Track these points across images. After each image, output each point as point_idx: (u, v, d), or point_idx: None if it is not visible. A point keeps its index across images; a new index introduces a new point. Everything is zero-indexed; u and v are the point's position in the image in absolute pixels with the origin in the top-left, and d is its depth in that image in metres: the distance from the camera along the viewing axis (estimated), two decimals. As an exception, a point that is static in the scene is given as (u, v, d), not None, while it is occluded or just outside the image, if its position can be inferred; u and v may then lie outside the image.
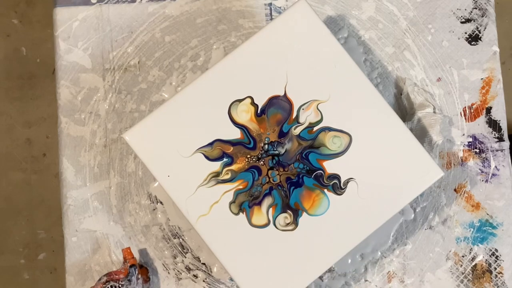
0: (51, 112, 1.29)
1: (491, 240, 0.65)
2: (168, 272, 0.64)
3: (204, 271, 0.64)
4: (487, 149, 0.66)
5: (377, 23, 0.67)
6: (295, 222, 0.53)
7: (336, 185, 0.53)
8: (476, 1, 0.67)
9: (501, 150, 0.66)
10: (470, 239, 0.65)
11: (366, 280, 0.64)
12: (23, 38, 1.30)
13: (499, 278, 0.64)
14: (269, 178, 0.54)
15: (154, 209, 0.65)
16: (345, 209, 0.53)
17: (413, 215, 0.65)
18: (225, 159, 0.53)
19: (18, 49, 1.30)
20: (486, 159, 0.65)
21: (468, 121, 0.66)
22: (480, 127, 0.66)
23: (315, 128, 0.54)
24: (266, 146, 0.54)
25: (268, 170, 0.54)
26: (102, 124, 0.65)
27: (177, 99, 0.54)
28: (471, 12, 0.67)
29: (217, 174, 0.53)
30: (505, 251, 0.65)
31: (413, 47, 0.66)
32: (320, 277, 0.64)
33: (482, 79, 0.66)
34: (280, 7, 0.66)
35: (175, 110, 0.54)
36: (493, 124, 0.66)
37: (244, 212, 0.53)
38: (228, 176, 0.53)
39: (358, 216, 0.53)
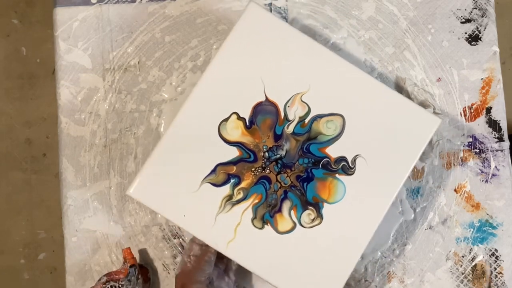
0: (51, 112, 1.28)
1: (491, 240, 0.65)
2: (168, 272, 0.64)
3: (204, 271, 0.64)
4: (487, 149, 0.66)
5: (377, 23, 0.67)
6: (320, 215, 0.53)
7: (345, 166, 0.53)
8: (476, 1, 0.67)
9: (501, 150, 0.66)
10: (470, 239, 0.65)
11: (366, 280, 0.64)
12: (23, 38, 1.30)
13: (499, 278, 0.64)
14: (280, 183, 0.54)
15: (154, 209, 0.65)
16: (362, 186, 0.53)
17: (413, 215, 0.65)
18: (232, 180, 0.53)
19: (18, 49, 1.30)
20: (486, 159, 0.65)
21: (468, 121, 0.66)
22: (480, 127, 0.66)
23: (306, 120, 0.54)
24: (266, 153, 0.54)
25: (277, 175, 0.54)
26: (102, 124, 0.65)
27: (165, 140, 0.53)
28: (471, 12, 0.67)
29: (230, 197, 0.53)
30: (505, 251, 0.65)
31: (413, 47, 0.66)
32: (320, 277, 0.64)
33: (482, 79, 0.66)
34: (280, 7, 0.66)
35: (167, 151, 0.53)
36: (493, 124, 0.66)
37: (268, 223, 0.53)
38: (241, 196, 0.53)
39: (375, 188, 0.53)
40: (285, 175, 0.54)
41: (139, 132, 0.65)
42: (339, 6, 0.67)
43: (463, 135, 0.66)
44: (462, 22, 0.67)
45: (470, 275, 0.64)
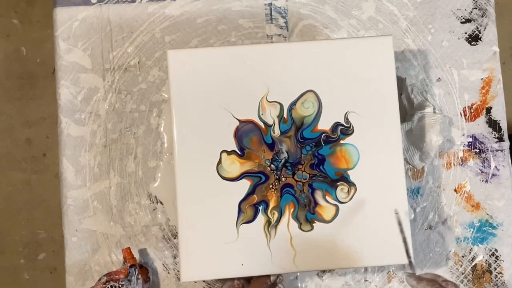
0: (51, 112, 1.28)
1: (491, 240, 0.65)
2: (168, 272, 0.64)
3: (204, 271, 0.64)
4: (487, 149, 0.66)
5: (377, 23, 0.67)
6: (352, 184, 0.54)
7: (342, 129, 0.54)
8: (476, 1, 0.67)
9: (501, 150, 0.66)
10: (470, 239, 0.65)
11: (366, 280, 0.64)
12: (23, 38, 1.30)
13: (499, 278, 0.64)
14: (300, 181, 0.54)
15: (154, 209, 0.65)
16: (368, 135, 0.54)
17: (413, 215, 0.65)
18: (260, 208, 0.54)
19: (18, 49, 1.30)
20: (486, 159, 0.65)
21: (468, 121, 0.66)
22: (480, 127, 0.66)
23: (285, 115, 0.54)
24: (272, 165, 0.54)
25: (293, 177, 0.54)
26: (102, 124, 0.65)
27: (181, 215, 0.53)
28: (471, 12, 0.67)
29: (268, 222, 0.54)
30: (505, 251, 0.65)
31: (413, 47, 0.66)
32: (320, 277, 0.64)
33: (482, 79, 0.66)
34: (280, 7, 0.66)
35: (189, 225, 0.53)
36: (493, 124, 0.66)
37: (315, 221, 0.54)
38: (276, 215, 0.54)
39: (380, 129, 0.54)
40: (300, 171, 0.54)
41: (139, 132, 0.65)
42: (339, 6, 0.67)
43: (463, 135, 0.66)
44: (462, 22, 0.67)
45: (470, 275, 0.64)
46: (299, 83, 0.54)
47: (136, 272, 0.59)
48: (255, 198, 0.54)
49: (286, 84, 0.54)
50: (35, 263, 1.26)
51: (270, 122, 0.54)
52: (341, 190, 0.54)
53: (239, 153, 0.54)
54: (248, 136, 0.54)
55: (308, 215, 0.54)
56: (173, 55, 0.54)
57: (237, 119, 0.54)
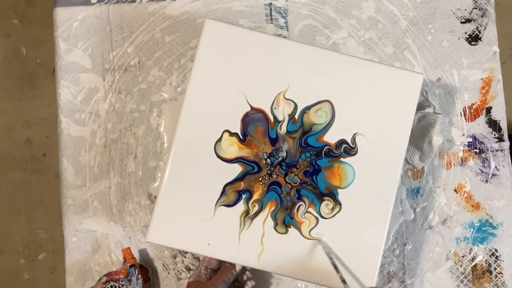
0: (51, 112, 1.28)
1: (491, 240, 0.65)
2: (168, 272, 0.64)
3: (204, 271, 0.64)
4: (487, 149, 0.66)
5: (377, 23, 0.67)
6: (337, 202, 0.53)
7: (346, 148, 0.54)
8: (476, 1, 0.67)
9: (501, 150, 0.66)
10: (470, 239, 0.65)
11: (366, 280, 0.64)
12: (23, 38, 1.30)
13: (499, 278, 0.64)
14: (290, 184, 0.54)
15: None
16: (369, 162, 0.53)
17: (413, 215, 0.65)
18: (244, 196, 0.53)
19: (18, 49, 1.30)
20: (486, 159, 0.65)
21: (468, 121, 0.66)
22: (480, 127, 0.66)
23: (296, 116, 0.54)
24: (268, 160, 0.54)
25: (285, 177, 0.54)
26: (102, 124, 0.65)
27: (167, 178, 0.53)
28: (471, 12, 0.67)
29: (247, 213, 0.53)
30: (505, 251, 0.65)
31: (413, 47, 0.66)
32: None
33: (482, 79, 0.66)
34: (280, 7, 0.66)
35: (173, 188, 0.53)
36: (493, 124, 0.66)
37: (291, 226, 0.53)
38: (256, 208, 0.53)
39: (382, 159, 0.53)
40: (293, 174, 0.54)
41: (139, 132, 0.65)
42: (339, 6, 0.67)
43: (463, 135, 0.66)
44: (462, 22, 0.67)
45: (470, 275, 0.64)
46: (320, 90, 0.54)
47: (136, 272, 0.59)
48: (242, 185, 0.53)
49: (307, 87, 0.54)
50: (35, 263, 1.26)
51: (280, 118, 0.54)
52: (326, 206, 0.53)
53: (241, 137, 0.54)
54: (255, 125, 0.54)
55: (287, 218, 0.53)
56: (210, 24, 0.54)
57: (250, 104, 0.54)
